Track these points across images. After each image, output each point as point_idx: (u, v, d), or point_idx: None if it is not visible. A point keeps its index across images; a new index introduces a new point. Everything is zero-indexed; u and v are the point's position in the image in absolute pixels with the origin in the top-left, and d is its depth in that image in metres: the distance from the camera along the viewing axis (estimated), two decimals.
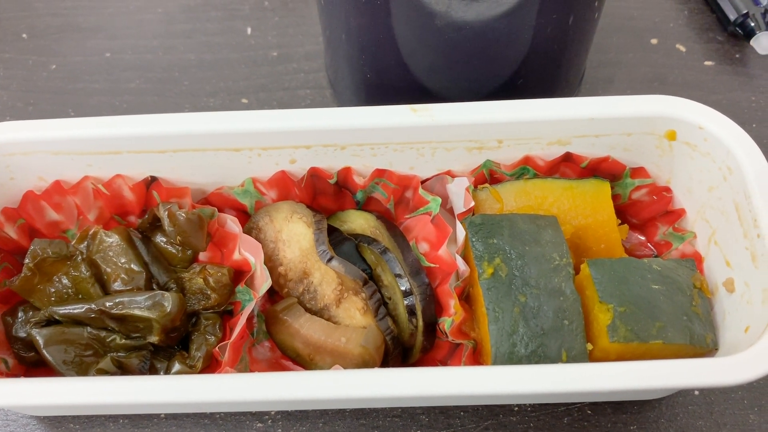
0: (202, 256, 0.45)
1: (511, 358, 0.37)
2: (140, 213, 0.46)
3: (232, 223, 0.44)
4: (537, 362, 0.37)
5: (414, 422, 0.43)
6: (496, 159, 0.44)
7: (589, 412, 0.44)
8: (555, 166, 0.44)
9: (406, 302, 0.41)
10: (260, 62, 0.59)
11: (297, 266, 0.43)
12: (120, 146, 0.42)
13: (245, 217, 0.46)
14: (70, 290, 0.42)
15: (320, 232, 0.43)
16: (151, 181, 0.44)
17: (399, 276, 0.42)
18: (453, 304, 0.40)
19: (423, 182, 0.45)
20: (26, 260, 0.42)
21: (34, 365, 0.42)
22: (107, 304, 0.40)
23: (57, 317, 0.41)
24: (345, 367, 0.40)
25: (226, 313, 0.44)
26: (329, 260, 0.42)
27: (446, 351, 0.43)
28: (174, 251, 0.43)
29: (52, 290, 0.42)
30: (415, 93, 0.48)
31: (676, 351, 0.37)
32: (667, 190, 0.44)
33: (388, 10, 0.43)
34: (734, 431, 0.43)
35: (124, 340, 0.40)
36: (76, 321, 0.41)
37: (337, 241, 0.43)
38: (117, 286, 0.42)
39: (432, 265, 0.43)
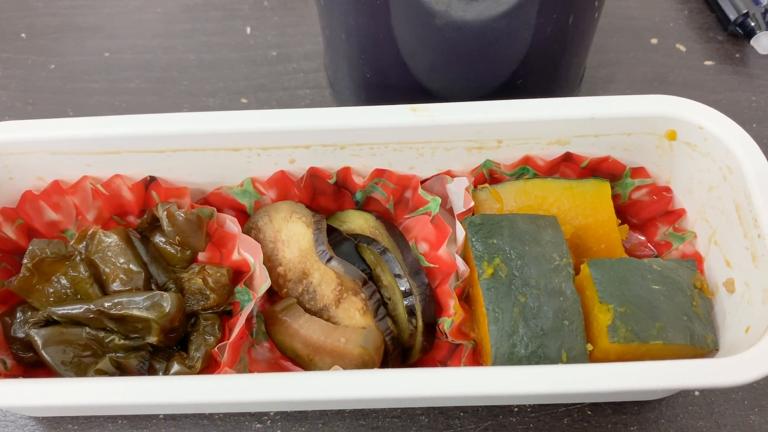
0: (201, 256, 0.45)
1: (510, 358, 0.37)
2: (139, 213, 0.46)
3: (231, 223, 0.44)
4: (537, 363, 0.37)
5: (413, 423, 0.43)
6: (495, 159, 0.43)
7: (589, 412, 0.44)
8: (555, 166, 0.44)
9: (405, 302, 0.41)
10: (260, 62, 0.59)
11: (296, 266, 0.43)
12: (119, 146, 0.42)
13: (244, 217, 0.46)
14: (68, 290, 0.42)
15: (319, 232, 0.43)
16: (150, 181, 0.44)
17: (398, 276, 0.42)
18: (453, 305, 0.40)
19: (422, 182, 0.45)
20: (25, 260, 0.41)
21: (32, 366, 0.42)
22: (106, 304, 0.40)
23: (55, 318, 0.41)
24: (344, 368, 0.40)
25: (225, 314, 0.44)
26: (328, 260, 0.42)
27: (446, 351, 0.43)
28: (173, 251, 0.43)
29: (51, 290, 0.42)
30: (415, 93, 0.48)
31: (677, 351, 0.37)
32: (667, 190, 0.44)
33: (388, 10, 0.43)
34: None
35: (122, 341, 0.40)
36: (74, 321, 0.41)
37: (337, 241, 0.43)
38: (116, 286, 0.42)
39: (431, 265, 0.43)
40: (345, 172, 0.44)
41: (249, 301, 0.42)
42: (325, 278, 0.42)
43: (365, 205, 0.47)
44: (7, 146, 0.41)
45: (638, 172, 0.44)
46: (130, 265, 0.42)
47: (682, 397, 0.44)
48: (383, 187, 0.45)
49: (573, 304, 0.38)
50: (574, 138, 0.42)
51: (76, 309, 0.40)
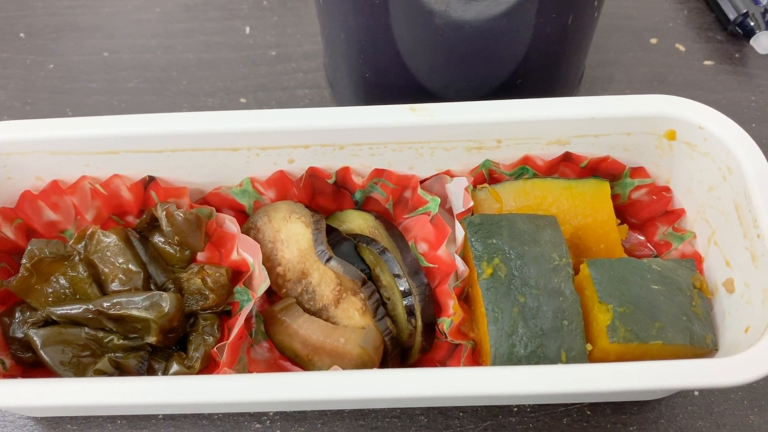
0: (201, 256, 0.45)
1: (510, 358, 0.37)
2: (138, 213, 0.46)
3: (231, 223, 0.44)
4: (536, 363, 0.37)
5: (413, 423, 0.43)
6: (495, 159, 0.43)
7: (589, 412, 0.43)
8: (554, 165, 0.44)
9: (405, 302, 0.41)
10: (259, 62, 0.59)
11: (295, 266, 0.43)
12: (118, 146, 0.42)
13: (243, 217, 0.46)
14: (67, 290, 0.42)
15: (319, 232, 0.43)
16: (149, 181, 0.44)
17: (398, 276, 0.42)
18: (452, 305, 0.40)
19: (422, 182, 0.45)
20: (23, 260, 0.41)
21: (31, 366, 0.42)
22: (105, 304, 0.40)
23: (54, 318, 0.41)
24: (344, 368, 0.40)
25: (225, 314, 0.44)
26: (328, 260, 0.42)
27: (445, 351, 0.43)
28: (172, 251, 0.43)
29: (50, 290, 0.42)
30: (414, 92, 0.48)
31: (676, 351, 0.37)
32: (667, 189, 0.44)
33: (387, 10, 0.43)
34: None
35: (121, 341, 0.40)
36: (73, 321, 0.40)
37: (336, 241, 0.43)
38: (115, 286, 0.41)
39: (431, 265, 0.43)
40: (344, 172, 0.44)
41: (248, 301, 0.42)
42: (325, 278, 0.42)
43: (364, 205, 0.47)
44: (6, 146, 0.41)
45: (638, 172, 0.44)
46: (129, 265, 0.42)
47: (681, 397, 0.44)
48: (382, 187, 0.45)
49: (572, 304, 0.38)
50: (573, 138, 0.42)
51: (75, 309, 0.40)
